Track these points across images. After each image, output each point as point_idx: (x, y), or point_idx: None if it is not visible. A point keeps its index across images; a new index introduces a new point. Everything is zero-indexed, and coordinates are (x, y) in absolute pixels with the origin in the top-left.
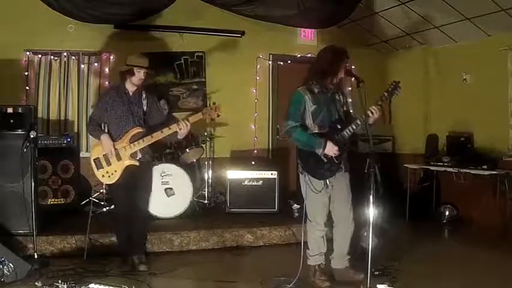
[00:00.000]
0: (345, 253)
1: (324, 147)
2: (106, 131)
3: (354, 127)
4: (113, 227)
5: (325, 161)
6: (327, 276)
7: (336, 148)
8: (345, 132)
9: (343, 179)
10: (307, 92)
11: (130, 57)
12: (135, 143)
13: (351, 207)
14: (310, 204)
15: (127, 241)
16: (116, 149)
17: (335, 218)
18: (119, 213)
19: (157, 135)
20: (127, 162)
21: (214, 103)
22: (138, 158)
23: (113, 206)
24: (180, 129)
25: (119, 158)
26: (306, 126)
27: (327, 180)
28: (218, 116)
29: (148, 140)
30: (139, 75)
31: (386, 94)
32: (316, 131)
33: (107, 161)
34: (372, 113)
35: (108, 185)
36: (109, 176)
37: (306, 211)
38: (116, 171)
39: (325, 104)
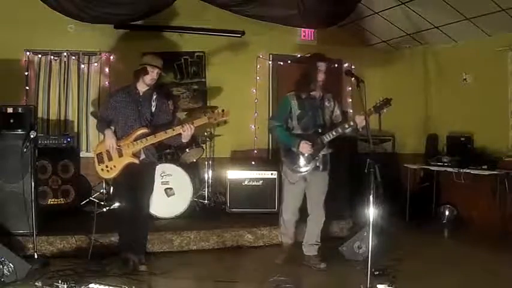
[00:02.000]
0: (313, 241)
1: (298, 146)
2: (112, 128)
3: (334, 133)
4: (116, 227)
5: (301, 158)
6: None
7: (309, 147)
8: (325, 137)
9: (321, 177)
10: (294, 98)
11: (145, 57)
12: (138, 141)
13: (323, 202)
14: (285, 193)
15: (129, 241)
16: (118, 146)
17: (309, 209)
18: (123, 212)
19: (161, 136)
20: (127, 159)
21: (223, 110)
22: (141, 158)
23: (113, 206)
24: (184, 131)
25: (120, 155)
26: (289, 128)
27: (305, 176)
28: (225, 122)
29: (151, 139)
30: (152, 74)
31: (372, 109)
32: (299, 132)
33: (109, 156)
34: (351, 124)
35: (113, 185)
36: (108, 171)
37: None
38: (115, 166)
39: (311, 109)
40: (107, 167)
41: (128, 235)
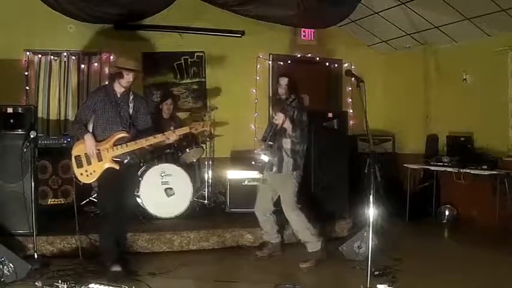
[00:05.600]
0: (301, 241)
1: None
2: (90, 131)
3: (266, 136)
4: (99, 229)
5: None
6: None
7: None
8: (267, 142)
9: (277, 178)
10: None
11: (120, 59)
12: (119, 146)
13: (290, 203)
14: None
15: (111, 242)
16: (98, 150)
17: None
18: (105, 215)
19: (142, 143)
20: (107, 164)
21: (203, 120)
22: (125, 161)
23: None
24: (164, 140)
25: (99, 159)
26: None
27: (265, 177)
28: (205, 132)
29: (132, 146)
30: (127, 77)
31: (285, 107)
32: None
33: (88, 160)
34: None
35: (97, 189)
36: (87, 175)
37: None
38: (94, 171)
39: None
40: (86, 171)
41: (111, 239)
